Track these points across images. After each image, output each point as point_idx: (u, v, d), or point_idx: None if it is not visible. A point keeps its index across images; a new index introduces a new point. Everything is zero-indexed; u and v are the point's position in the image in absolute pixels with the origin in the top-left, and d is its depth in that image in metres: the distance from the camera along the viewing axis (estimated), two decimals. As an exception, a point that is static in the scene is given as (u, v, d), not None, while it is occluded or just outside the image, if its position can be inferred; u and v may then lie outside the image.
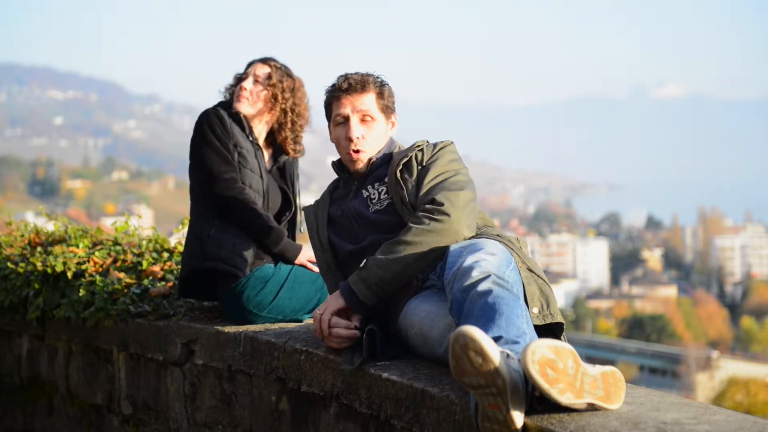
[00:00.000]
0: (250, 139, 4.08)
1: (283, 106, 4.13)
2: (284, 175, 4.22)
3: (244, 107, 4.10)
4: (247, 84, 4.11)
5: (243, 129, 4.07)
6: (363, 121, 3.30)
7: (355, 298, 2.98)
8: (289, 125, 4.16)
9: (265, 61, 4.18)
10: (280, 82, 4.13)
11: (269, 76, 4.13)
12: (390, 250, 2.96)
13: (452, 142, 3.27)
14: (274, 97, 4.12)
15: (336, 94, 3.32)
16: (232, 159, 3.98)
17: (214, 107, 4.11)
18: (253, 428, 3.64)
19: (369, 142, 3.30)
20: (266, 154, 4.19)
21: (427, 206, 2.99)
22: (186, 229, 4.34)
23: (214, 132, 3.99)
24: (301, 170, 4.40)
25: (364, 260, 3.01)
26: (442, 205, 2.96)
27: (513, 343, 2.39)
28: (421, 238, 2.94)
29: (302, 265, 3.99)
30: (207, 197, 3.99)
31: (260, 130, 4.16)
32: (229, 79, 4.24)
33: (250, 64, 4.19)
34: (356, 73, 3.34)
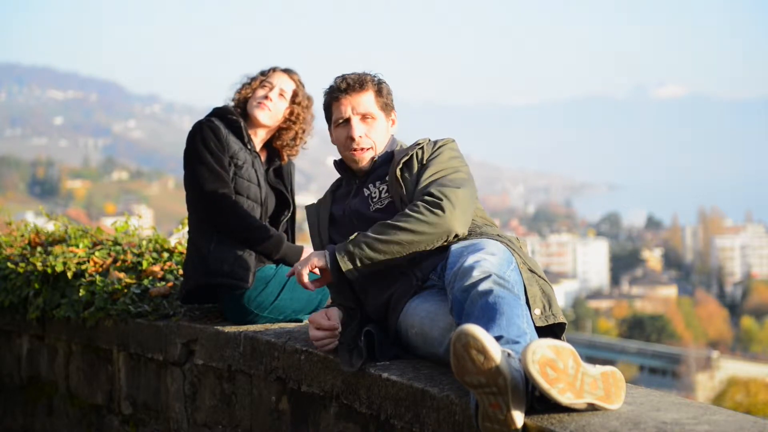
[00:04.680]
0: (249, 147, 4.03)
1: (299, 125, 4.11)
2: (281, 175, 4.20)
3: (264, 117, 4.04)
4: (273, 95, 4.05)
5: (241, 137, 4.01)
6: (364, 120, 3.29)
7: (338, 269, 3.00)
8: (294, 139, 4.15)
9: (289, 73, 4.12)
10: (303, 100, 4.10)
11: (296, 93, 4.09)
12: (383, 232, 2.97)
13: (453, 140, 3.26)
14: (297, 116, 4.09)
15: (335, 95, 3.31)
16: (225, 174, 3.91)
17: (208, 118, 4.03)
18: (253, 428, 3.64)
19: (371, 141, 3.30)
20: (262, 157, 4.17)
21: (426, 198, 2.99)
22: (186, 229, 4.34)
23: (208, 147, 3.92)
24: (300, 170, 4.38)
25: (355, 234, 3.02)
26: (440, 200, 2.97)
27: (513, 343, 2.39)
28: (415, 227, 2.95)
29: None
30: (201, 214, 3.98)
31: (261, 137, 4.13)
32: (229, 80, 4.20)
33: (272, 70, 4.12)
34: (353, 73, 3.33)
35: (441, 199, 2.97)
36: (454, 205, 2.97)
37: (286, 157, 4.19)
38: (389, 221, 3.00)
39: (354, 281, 3.06)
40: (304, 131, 4.15)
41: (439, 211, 2.95)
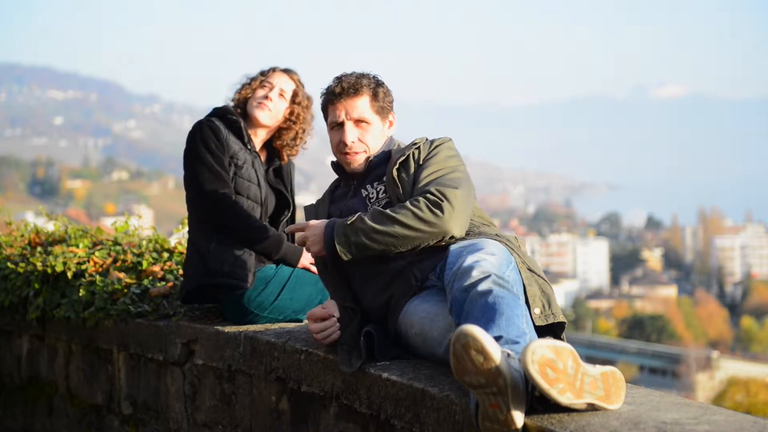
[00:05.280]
0: (248, 147, 4.04)
1: (299, 126, 4.12)
2: (280, 175, 4.20)
3: (264, 117, 4.04)
4: (273, 95, 4.05)
5: (241, 137, 4.01)
6: (357, 124, 3.29)
7: (334, 252, 3.03)
8: (294, 139, 4.16)
9: (289, 73, 4.12)
10: (303, 100, 4.11)
11: (296, 93, 4.10)
12: (382, 222, 2.97)
13: (450, 139, 3.26)
14: (297, 116, 4.10)
15: (330, 98, 3.31)
16: (226, 174, 3.91)
17: (208, 118, 4.03)
18: (253, 428, 3.64)
19: (365, 145, 3.30)
20: (262, 157, 4.17)
21: (428, 195, 2.99)
22: (186, 229, 4.34)
23: (208, 147, 3.92)
24: (300, 170, 4.39)
25: (357, 215, 3.03)
26: (440, 200, 2.97)
27: (513, 343, 2.39)
28: (413, 223, 2.95)
29: (304, 268, 3.98)
30: (201, 214, 3.98)
31: (261, 137, 4.14)
32: (229, 80, 4.20)
33: (271, 70, 4.11)
34: (351, 75, 3.32)
35: (441, 201, 2.96)
36: (454, 207, 2.96)
37: (285, 157, 4.19)
38: (389, 210, 3.00)
39: (347, 265, 3.10)
40: (304, 131, 4.16)
41: (438, 212, 2.95)
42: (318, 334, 3.24)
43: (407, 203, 2.99)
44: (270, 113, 4.06)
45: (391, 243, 2.97)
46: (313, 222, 3.15)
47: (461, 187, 3.02)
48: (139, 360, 4.40)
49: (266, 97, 4.05)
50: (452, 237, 2.97)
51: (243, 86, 4.12)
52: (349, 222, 3.02)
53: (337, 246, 3.01)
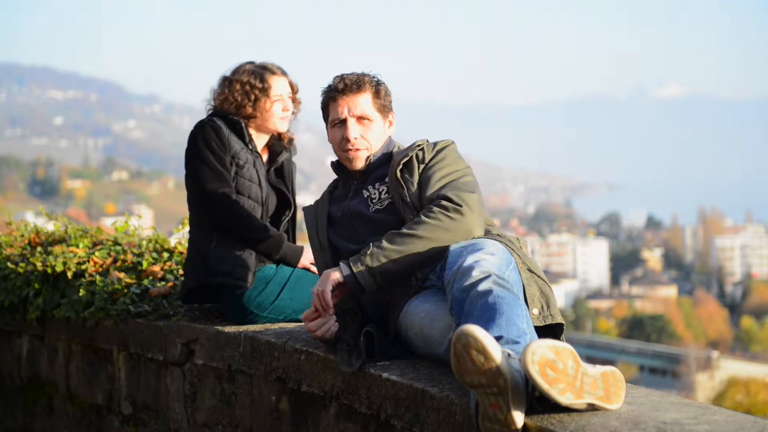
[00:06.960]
0: (250, 147, 4.05)
1: (298, 111, 4.20)
2: (282, 175, 4.21)
3: (285, 127, 4.12)
4: (288, 104, 4.10)
5: (243, 137, 4.02)
6: (360, 121, 3.29)
7: (359, 285, 2.98)
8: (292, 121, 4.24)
9: (275, 71, 4.11)
10: (297, 91, 4.18)
11: (293, 89, 4.16)
12: (400, 242, 2.95)
13: (453, 142, 3.26)
14: (298, 105, 4.19)
15: (332, 95, 3.32)
16: (227, 173, 3.92)
17: (210, 118, 4.03)
18: (253, 428, 3.64)
19: (367, 142, 3.30)
20: (263, 156, 4.18)
21: (443, 202, 2.98)
22: (186, 229, 4.34)
23: (209, 146, 3.93)
24: (300, 170, 4.41)
25: (369, 246, 2.99)
26: (460, 205, 2.97)
27: (513, 343, 2.39)
28: (434, 234, 2.94)
29: (304, 268, 3.99)
30: (202, 213, 3.98)
31: (264, 138, 4.15)
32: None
33: (262, 80, 4.05)
34: (352, 73, 3.33)
35: (460, 205, 2.97)
36: (473, 209, 2.98)
37: (286, 137, 4.23)
38: (404, 230, 2.97)
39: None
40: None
41: (458, 216, 2.95)
42: (318, 331, 3.19)
43: (422, 216, 2.97)
44: (289, 122, 4.15)
45: (416, 263, 2.95)
46: (315, 288, 3.03)
47: (476, 191, 3.05)
48: (139, 360, 4.40)
49: (284, 109, 4.09)
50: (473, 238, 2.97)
51: (254, 105, 4.05)
52: (366, 253, 2.96)
53: (362, 281, 2.95)
